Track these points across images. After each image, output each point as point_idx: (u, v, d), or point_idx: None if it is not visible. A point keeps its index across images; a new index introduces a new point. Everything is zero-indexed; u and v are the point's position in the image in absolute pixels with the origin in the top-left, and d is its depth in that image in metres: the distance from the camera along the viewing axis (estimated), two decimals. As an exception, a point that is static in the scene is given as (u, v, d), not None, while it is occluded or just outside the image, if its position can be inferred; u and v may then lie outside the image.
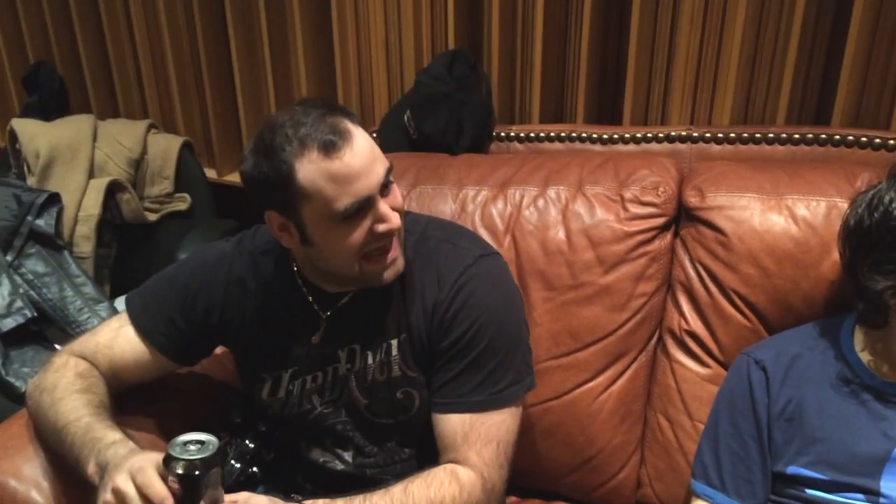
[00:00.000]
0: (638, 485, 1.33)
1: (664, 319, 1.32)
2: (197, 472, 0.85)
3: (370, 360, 1.12)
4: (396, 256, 1.06)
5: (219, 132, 2.08)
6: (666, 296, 1.32)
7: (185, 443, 0.87)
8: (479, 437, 1.05)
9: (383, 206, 1.01)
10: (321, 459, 1.19)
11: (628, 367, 1.30)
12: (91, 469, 0.96)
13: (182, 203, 2.10)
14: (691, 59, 1.45)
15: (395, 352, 1.11)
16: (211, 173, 2.12)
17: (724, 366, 1.25)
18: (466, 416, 1.06)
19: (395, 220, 1.02)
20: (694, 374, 1.28)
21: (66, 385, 1.08)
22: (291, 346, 1.15)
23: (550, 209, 1.34)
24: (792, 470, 1.07)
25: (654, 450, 1.31)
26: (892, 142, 1.28)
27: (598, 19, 1.51)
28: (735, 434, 1.12)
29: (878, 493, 1.01)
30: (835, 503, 1.03)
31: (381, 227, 1.02)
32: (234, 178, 2.09)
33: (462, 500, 1.01)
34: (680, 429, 1.28)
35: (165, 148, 2.06)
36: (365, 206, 0.99)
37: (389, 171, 1.03)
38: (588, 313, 1.29)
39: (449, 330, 1.07)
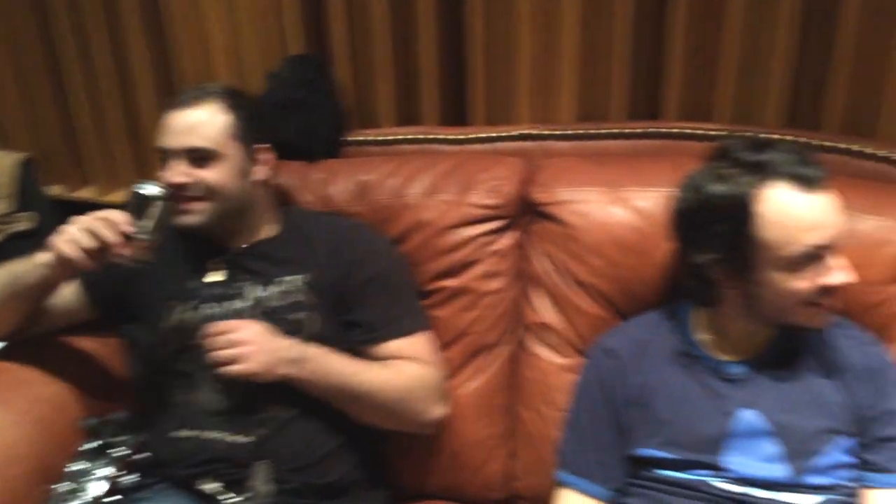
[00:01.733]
0: (512, 478, 1.36)
1: (523, 315, 1.36)
2: (144, 192, 1.16)
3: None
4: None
5: (64, 147, 1.96)
6: (521, 292, 1.36)
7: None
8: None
9: None
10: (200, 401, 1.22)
11: (487, 363, 1.34)
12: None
13: (26, 222, 1.96)
14: (528, 60, 1.49)
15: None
16: (60, 190, 2.00)
17: (582, 354, 1.29)
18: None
19: None
20: (554, 365, 1.32)
21: None
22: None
23: (404, 218, 1.37)
24: (643, 452, 1.13)
25: (524, 443, 1.34)
26: (713, 133, 1.37)
27: (441, 19, 1.52)
28: (594, 421, 1.17)
29: (720, 468, 1.07)
30: (683, 480, 1.09)
31: None
32: (82, 194, 1.98)
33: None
34: (547, 421, 1.31)
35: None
36: None
37: None
38: (442, 314, 1.33)
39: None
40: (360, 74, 1.60)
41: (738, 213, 1.01)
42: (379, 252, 1.30)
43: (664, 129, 1.41)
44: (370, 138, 1.54)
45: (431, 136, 1.51)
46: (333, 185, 1.43)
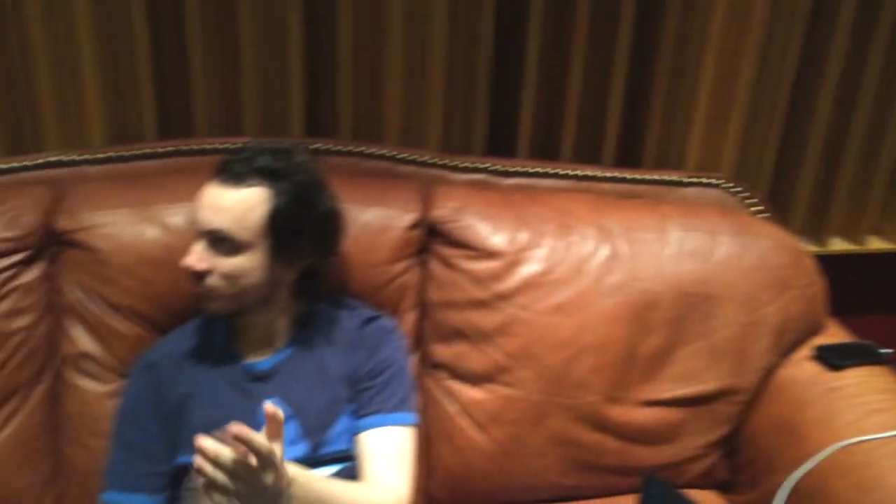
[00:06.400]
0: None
1: (59, 348, 1.30)
2: None
3: None
4: None
5: None
6: (55, 325, 1.30)
7: None
8: None
9: None
10: None
11: (20, 406, 1.26)
12: None
13: None
14: (49, 83, 1.43)
15: None
16: None
17: (126, 378, 1.29)
18: None
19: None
20: (97, 395, 1.29)
21: None
22: None
23: None
24: (181, 460, 1.15)
25: (72, 481, 1.29)
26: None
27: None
28: (143, 436, 1.17)
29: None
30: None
31: None
32: None
33: None
34: (95, 452, 1.26)
35: None
36: None
37: None
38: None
39: None
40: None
41: None
42: None
43: (195, 147, 1.46)
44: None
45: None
46: None
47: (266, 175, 1.13)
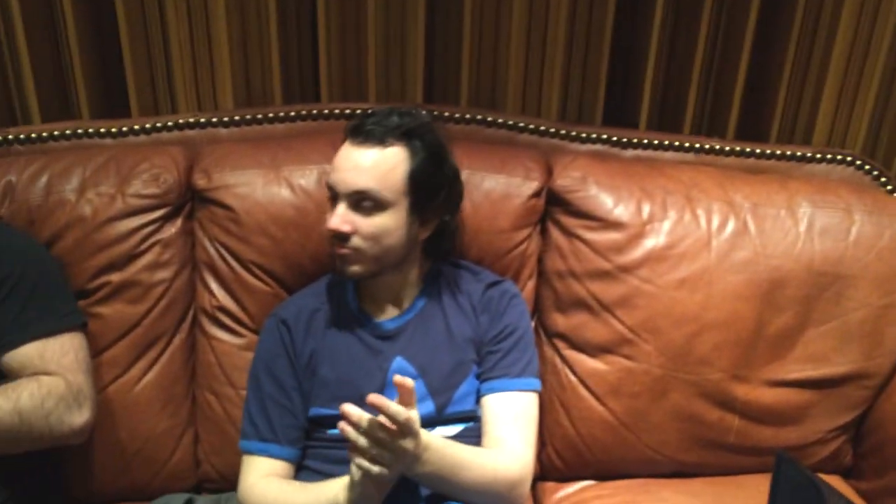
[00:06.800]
0: (197, 464, 1.36)
1: (196, 300, 1.36)
2: None
3: None
4: None
5: None
6: (192, 278, 1.36)
7: None
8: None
9: None
10: None
11: (162, 353, 1.32)
12: None
13: None
14: (185, 47, 1.49)
15: None
16: None
17: (257, 333, 1.33)
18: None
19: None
20: (230, 346, 1.35)
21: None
22: None
23: (58, 216, 1.29)
24: (313, 412, 1.20)
25: (206, 427, 1.35)
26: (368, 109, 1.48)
27: (86, 10, 1.46)
28: (278, 388, 1.21)
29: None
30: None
31: None
32: None
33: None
34: (227, 401, 1.34)
35: None
36: None
37: None
38: (108, 310, 1.28)
39: None
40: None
41: None
42: (13, 251, 1.19)
43: (322, 111, 1.48)
44: (14, 136, 1.42)
45: (86, 130, 1.43)
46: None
47: (402, 135, 1.15)
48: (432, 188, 1.17)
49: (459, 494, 1.10)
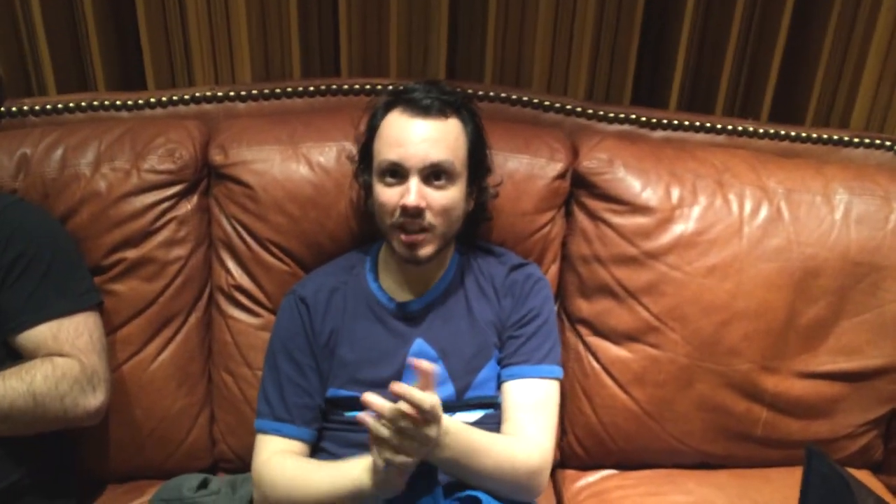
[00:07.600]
0: (213, 443, 1.35)
1: (212, 278, 1.34)
2: None
3: None
4: None
5: None
6: (208, 255, 1.33)
7: None
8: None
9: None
10: None
11: (177, 331, 1.30)
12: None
13: None
14: (202, 19, 1.45)
15: None
16: None
17: (274, 312, 1.31)
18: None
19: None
20: (247, 325, 1.32)
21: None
22: None
23: (73, 191, 1.26)
24: (331, 393, 1.17)
25: (222, 406, 1.34)
26: (389, 86, 1.44)
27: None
28: (295, 367, 1.18)
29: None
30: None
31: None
32: None
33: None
34: (243, 381, 1.32)
35: None
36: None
37: None
38: (123, 287, 1.26)
39: None
40: (12, 39, 1.45)
41: (371, 130, 1.16)
42: (27, 230, 1.17)
43: (341, 86, 1.44)
44: (29, 108, 1.40)
45: (101, 102, 1.40)
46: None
47: (454, 107, 1.14)
48: (482, 160, 1.18)
49: (477, 480, 1.08)
